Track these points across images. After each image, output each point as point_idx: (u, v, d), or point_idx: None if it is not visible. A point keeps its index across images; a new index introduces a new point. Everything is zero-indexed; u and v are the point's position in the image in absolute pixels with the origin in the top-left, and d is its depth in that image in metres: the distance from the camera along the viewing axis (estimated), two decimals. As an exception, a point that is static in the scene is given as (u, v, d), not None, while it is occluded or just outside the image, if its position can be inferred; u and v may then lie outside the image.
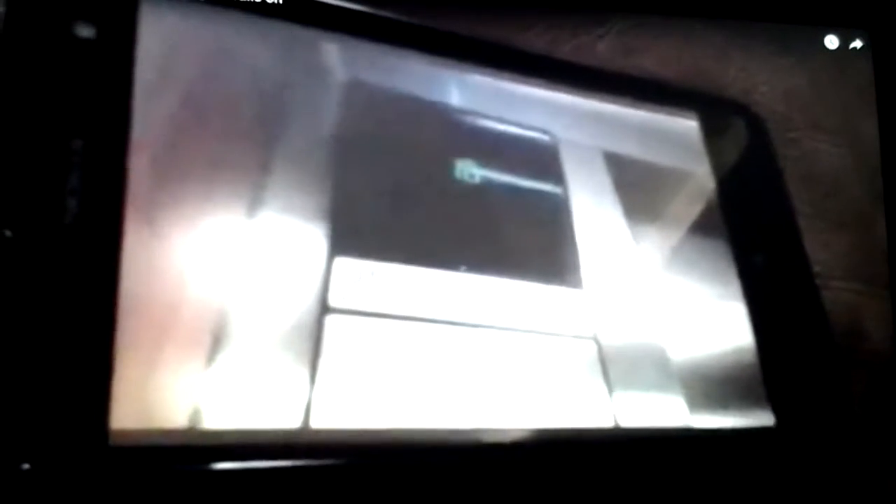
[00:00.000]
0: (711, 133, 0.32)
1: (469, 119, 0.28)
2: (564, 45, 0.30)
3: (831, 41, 0.36)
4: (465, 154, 0.28)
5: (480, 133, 0.28)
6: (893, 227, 0.33)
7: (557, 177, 0.29)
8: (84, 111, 0.22)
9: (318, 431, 0.22)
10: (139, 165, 0.23)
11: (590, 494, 0.25)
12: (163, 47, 0.24)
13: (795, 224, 0.31)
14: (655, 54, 0.32)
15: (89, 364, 0.20)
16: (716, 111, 0.32)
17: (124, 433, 0.20)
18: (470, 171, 0.28)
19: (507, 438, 0.25)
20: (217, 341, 0.22)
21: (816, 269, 0.31)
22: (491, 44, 0.29)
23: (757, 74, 0.33)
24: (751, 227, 0.30)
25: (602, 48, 0.31)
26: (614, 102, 0.30)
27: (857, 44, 0.36)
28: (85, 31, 0.23)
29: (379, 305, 0.25)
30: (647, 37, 0.32)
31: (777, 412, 0.28)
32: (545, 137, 0.29)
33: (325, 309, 0.24)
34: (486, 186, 0.28)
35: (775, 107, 0.33)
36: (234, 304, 0.23)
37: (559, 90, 0.30)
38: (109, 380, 0.20)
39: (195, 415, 0.21)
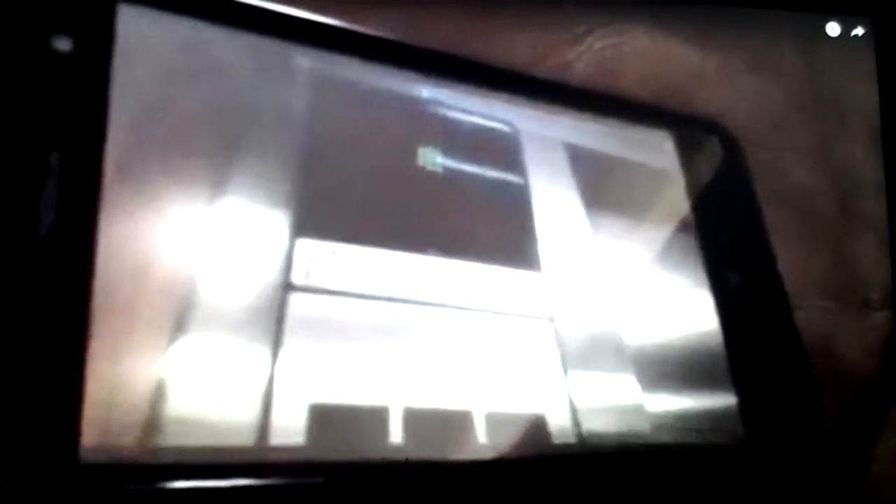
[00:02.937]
0: (684, 150, 0.31)
1: (433, 108, 0.29)
2: (544, 63, 0.30)
3: (833, 28, 0.36)
4: (428, 142, 0.28)
5: (444, 122, 0.29)
6: (894, 226, 0.33)
7: (518, 166, 0.29)
8: (61, 124, 0.23)
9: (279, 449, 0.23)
10: (115, 174, 0.23)
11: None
12: (139, 58, 0.24)
13: (768, 242, 0.31)
14: (633, 73, 0.32)
15: (60, 379, 0.21)
16: (688, 129, 0.32)
17: (95, 449, 0.20)
18: (433, 158, 0.28)
19: (473, 456, 0.25)
20: (180, 326, 0.23)
21: (790, 287, 0.31)
22: (462, 59, 0.29)
23: (732, 93, 0.33)
24: (723, 244, 0.30)
25: (580, 67, 0.31)
26: (588, 120, 0.30)
27: (859, 31, 0.36)
28: (62, 44, 0.23)
29: (341, 285, 0.26)
30: (624, 56, 0.32)
31: (747, 428, 0.28)
32: (507, 128, 0.30)
33: (288, 287, 0.25)
34: (449, 173, 0.28)
35: (749, 125, 0.33)
36: (201, 288, 0.23)
37: (533, 107, 0.30)
38: (81, 397, 0.20)
39: (167, 417, 0.22)
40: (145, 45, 0.24)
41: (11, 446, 0.20)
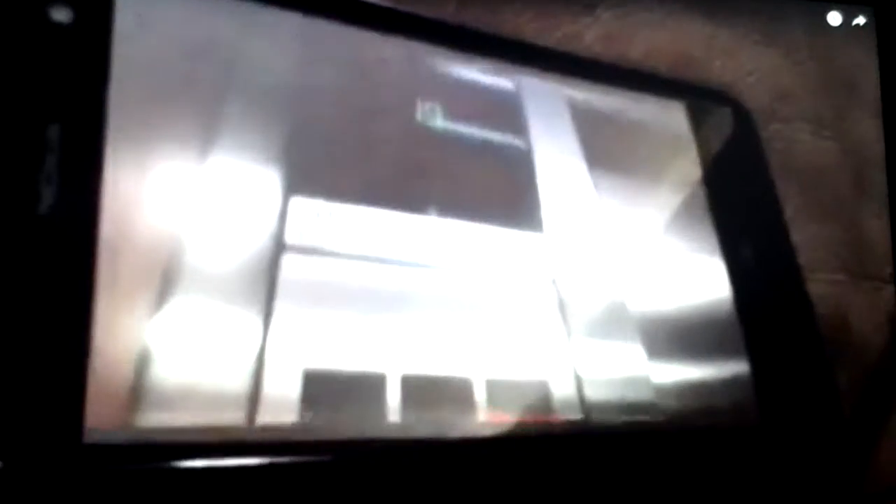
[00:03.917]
0: (697, 122, 0.31)
1: (433, 64, 0.28)
2: (553, 34, 0.30)
3: (835, 17, 0.36)
4: (427, 98, 0.27)
5: (445, 78, 0.28)
6: (895, 216, 0.33)
7: (522, 126, 0.28)
8: (60, 96, 0.22)
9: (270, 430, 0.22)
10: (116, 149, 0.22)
11: (564, 492, 0.25)
12: (138, 28, 0.23)
13: (781, 214, 0.30)
14: (642, 44, 0.31)
15: (63, 358, 0.20)
16: (702, 101, 0.31)
17: (100, 430, 0.20)
18: (433, 115, 0.27)
19: (474, 434, 0.25)
20: (169, 288, 0.22)
21: (802, 260, 0.31)
22: (467, 29, 0.28)
23: (744, 65, 0.33)
24: (735, 215, 0.30)
25: (589, 38, 0.30)
26: (600, 91, 0.30)
27: (861, 20, 0.36)
28: (60, 15, 0.22)
29: (336, 245, 0.25)
30: (634, 27, 0.31)
31: (762, 408, 0.28)
32: (510, 86, 0.29)
33: (281, 247, 0.24)
34: (449, 131, 0.27)
35: (761, 97, 0.32)
36: (188, 250, 0.23)
37: (541, 77, 0.29)
38: (84, 375, 0.20)
39: (171, 393, 0.21)
40: (144, 14, 0.23)
41: (14, 427, 0.19)
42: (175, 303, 0.22)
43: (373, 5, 0.27)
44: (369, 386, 0.23)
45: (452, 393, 0.25)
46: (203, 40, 0.24)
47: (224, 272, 0.23)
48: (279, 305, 0.23)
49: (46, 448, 0.19)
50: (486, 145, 0.28)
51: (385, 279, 0.25)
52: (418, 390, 0.24)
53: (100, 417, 0.20)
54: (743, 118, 0.31)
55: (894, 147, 0.34)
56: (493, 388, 0.25)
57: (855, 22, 0.36)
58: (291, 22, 0.26)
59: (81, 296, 0.20)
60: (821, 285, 0.31)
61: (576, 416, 0.26)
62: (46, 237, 0.21)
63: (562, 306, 0.27)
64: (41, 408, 0.19)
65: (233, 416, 0.22)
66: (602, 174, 0.29)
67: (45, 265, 0.20)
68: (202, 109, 0.24)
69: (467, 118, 0.27)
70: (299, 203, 0.24)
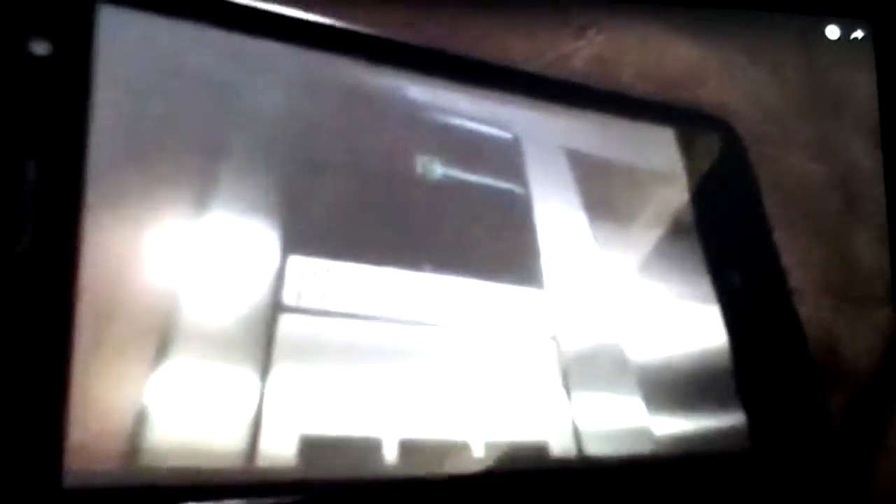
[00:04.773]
0: (688, 147, 0.31)
1: (431, 114, 0.28)
2: (544, 57, 0.30)
3: (833, 31, 0.36)
4: (426, 150, 0.27)
5: (443, 129, 0.28)
6: (894, 226, 0.33)
7: (520, 174, 0.28)
8: (39, 131, 0.21)
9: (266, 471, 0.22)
10: (96, 184, 0.22)
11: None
12: (120, 61, 0.23)
13: (772, 240, 0.30)
14: (633, 67, 0.31)
15: (42, 401, 0.20)
16: (692, 126, 0.31)
17: (79, 473, 0.19)
18: (432, 167, 0.27)
19: (470, 471, 0.24)
20: (165, 346, 0.22)
21: (792, 283, 0.31)
22: (457, 57, 0.28)
23: (733, 87, 0.32)
24: (727, 242, 0.30)
25: (580, 61, 0.30)
26: (590, 117, 0.29)
27: (859, 34, 0.36)
28: (40, 48, 0.22)
29: (334, 304, 0.25)
30: (624, 49, 0.31)
31: (752, 432, 0.28)
32: (507, 135, 0.29)
33: (278, 307, 0.24)
34: (449, 183, 0.27)
35: (751, 121, 0.32)
36: (186, 307, 0.22)
37: (532, 105, 0.29)
38: (64, 419, 0.20)
39: (151, 440, 0.21)
40: (126, 47, 0.23)
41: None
42: (171, 356, 0.22)
43: (352, 32, 0.26)
44: (366, 444, 0.23)
45: (450, 451, 0.24)
46: (188, 75, 0.24)
47: (221, 329, 0.23)
48: (276, 364, 0.23)
49: (26, 492, 0.19)
50: (485, 194, 0.28)
51: (383, 337, 0.25)
52: (415, 450, 0.24)
53: (82, 462, 0.19)
54: (733, 142, 0.31)
55: (892, 159, 0.34)
56: (491, 447, 0.25)
57: (853, 36, 0.36)
58: (287, 62, 0.25)
59: (61, 337, 0.20)
60: (811, 308, 0.30)
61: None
62: (24, 277, 0.20)
63: (560, 359, 0.26)
64: (20, 451, 0.19)
65: (224, 463, 0.21)
66: (598, 216, 0.29)
67: (21, 305, 0.20)
68: (194, 152, 0.23)
69: (466, 168, 0.27)
70: (297, 262, 0.24)
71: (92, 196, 0.22)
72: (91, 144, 0.22)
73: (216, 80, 0.24)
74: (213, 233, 0.24)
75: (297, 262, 0.24)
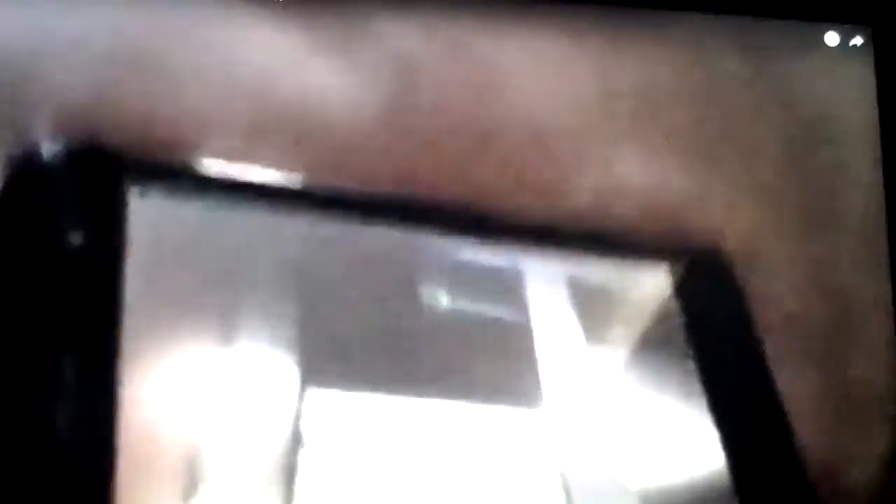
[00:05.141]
0: (683, 282, 0.31)
1: (437, 247, 0.29)
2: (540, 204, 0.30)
3: (832, 38, 0.35)
4: (432, 281, 0.28)
5: (448, 260, 0.29)
6: (894, 233, 0.33)
7: (521, 304, 0.29)
8: (74, 323, 0.23)
9: None
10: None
11: None
12: (151, 244, 0.24)
13: (769, 372, 0.31)
14: (629, 202, 0.31)
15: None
16: (688, 260, 0.32)
17: None
18: (438, 296, 0.28)
19: None
20: (195, 485, 0.24)
21: (789, 410, 0.31)
22: (459, 213, 0.29)
23: (723, 215, 0.32)
24: (724, 377, 0.31)
25: (576, 201, 0.30)
26: (589, 256, 0.30)
27: (858, 41, 0.35)
28: (76, 239, 0.23)
29: (352, 436, 0.26)
30: (619, 185, 0.31)
31: None
32: (510, 264, 0.30)
33: (298, 442, 0.26)
34: (454, 311, 0.29)
35: (741, 247, 0.32)
36: (210, 447, 0.24)
37: (526, 252, 0.30)
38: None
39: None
40: (155, 230, 0.24)
41: None
42: (200, 494, 0.24)
43: (358, 198, 0.27)
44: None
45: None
46: (208, 244, 0.25)
47: (247, 465, 0.24)
48: (299, 498, 0.25)
49: None
50: (490, 323, 0.29)
51: (398, 466, 0.27)
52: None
53: None
54: (727, 274, 0.32)
55: (893, 175, 0.34)
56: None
57: (852, 42, 0.35)
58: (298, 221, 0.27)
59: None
60: (809, 437, 0.31)
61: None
62: (64, 471, 0.22)
63: (565, 485, 0.28)
64: None
65: None
66: (597, 346, 0.30)
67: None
68: (216, 312, 0.25)
69: (471, 298, 0.28)
70: (315, 394, 0.26)
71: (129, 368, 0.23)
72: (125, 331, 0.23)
73: (235, 243, 0.25)
74: (234, 373, 0.25)
75: (314, 394, 0.26)
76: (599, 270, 0.30)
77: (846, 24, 0.35)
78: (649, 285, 0.30)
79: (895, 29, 0.35)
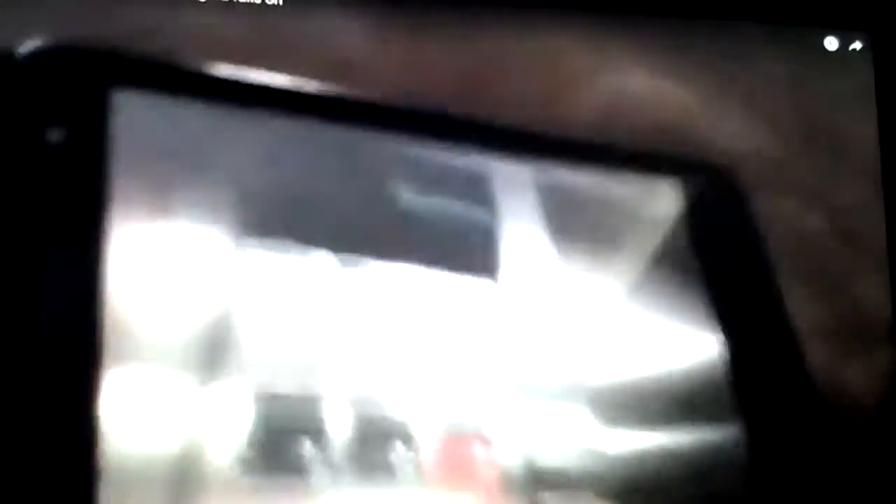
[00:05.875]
0: (688, 198, 0.31)
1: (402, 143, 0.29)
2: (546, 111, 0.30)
3: (831, 43, 0.36)
4: (396, 175, 0.28)
5: (414, 155, 0.29)
6: (893, 231, 0.33)
7: (490, 200, 0.29)
8: (55, 221, 0.23)
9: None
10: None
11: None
12: (135, 145, 0.24)
13: (778, 290, 0.30)
14: (633, 116, 0.31)
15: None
16: (695, 175, 0.31)
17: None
18: (400, 191, 0.28)
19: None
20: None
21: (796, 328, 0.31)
22: (450, 118, 0.29)
23: (730, 133, 0.32)
24: (731, 293, 0.30)
25: (581, 112, 0.30)
26: (587, 171, 0.30)
27: (857, 45, 0.36)
28: (56, 136, 0.23)
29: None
30: (624, 98, 0.31)
31: (757, 487, 0.28)
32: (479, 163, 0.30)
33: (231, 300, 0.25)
34: (415, 205, 0.28)
35: (748, 166, 0.32)
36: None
37: (526, 162, 0.30)
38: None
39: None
40: (140, 128, 0.24)
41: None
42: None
43: (340, 98, 0.27)
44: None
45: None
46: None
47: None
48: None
49: None
50: (452, 219, 0.28)
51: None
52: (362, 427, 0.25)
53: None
54: (734, 191, 0.31)
55: (891, 180, 0.34)
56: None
57: (851, 47, 0.36)
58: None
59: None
60: (816, 356, 0.31)
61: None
62: (51, 368, 0.21)
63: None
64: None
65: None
66: (604, 258, 0.29)
67: (46, 388, 0.21)
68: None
69: (434, 193, 0.28)
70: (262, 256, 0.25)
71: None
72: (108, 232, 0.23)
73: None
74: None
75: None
76: (608, 183, 0.29)
77: (845, 29, 0.36)
78: (659, 201, 0.30)
79: (894, 34, 0.35)
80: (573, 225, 0.29)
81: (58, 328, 0.22)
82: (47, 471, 0.21)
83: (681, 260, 0.30)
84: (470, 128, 0.29)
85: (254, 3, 0.27)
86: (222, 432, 0.23)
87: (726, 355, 0.29)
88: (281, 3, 0.28)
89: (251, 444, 0.24)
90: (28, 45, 0.23)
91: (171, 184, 0.24)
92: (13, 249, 0.22)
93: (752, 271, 0.30)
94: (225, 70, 0.26)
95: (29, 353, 0.22)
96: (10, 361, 0.21)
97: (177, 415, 0.23)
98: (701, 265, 0.30)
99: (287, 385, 0.25)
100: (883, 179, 0.34)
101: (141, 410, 0.23)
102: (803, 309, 0.31)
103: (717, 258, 0.30)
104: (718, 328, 0.29)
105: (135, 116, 0.24)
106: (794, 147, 0.33)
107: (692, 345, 0.30)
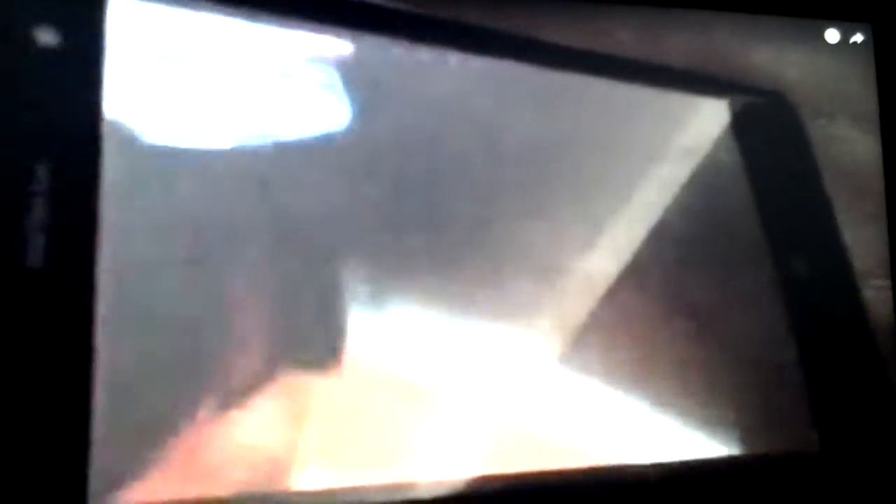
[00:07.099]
0: (741, 122, 0.30)
1: None
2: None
3: (832, 35, 0.35)
4: None
5: None
6: (894, 226, 0.32)
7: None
8: (49, 129, 0.19)
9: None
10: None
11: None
12: (132, 48, 0.21)
13: (834, 219, 0.29)
14: (678, 42, 0.30)
15: (65, 429, 0.18)
16: (746, 99, 0.30)
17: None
18: None
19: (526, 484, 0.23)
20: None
21: (855, 266, 0.30)
22: (481, 29, 0.27)
23: (782, 62, 0.32)
24: (786, 224, 0.29)
25: (624, 35, 0.29)
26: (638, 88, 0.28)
27: (859, 38, 0.35)
28: (47, 37, 0.20)
29: None
30: (667, 27, 0.30)
31: (822, 435, 0.27)
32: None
33: None
34: None
35: (801, 94, 0.31)
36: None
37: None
38: (87, 446, 0.17)
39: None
40: (137, 30, 0.21)
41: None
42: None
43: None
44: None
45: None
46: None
47: None
48: None
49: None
50: None
51: None
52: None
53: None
54: (790, 115, 0.30)
55: (893, 172, 0.33)
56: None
57: (853, 39, 0.35)
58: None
59: (82, 354, 0.18)
60: (875, 292, 0.29)
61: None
62: (39, 294, 0.18)
63: None
64: (41, 482, 0.17)
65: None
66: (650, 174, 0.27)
67: (38, 326, 0.18)
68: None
69: None
70: None
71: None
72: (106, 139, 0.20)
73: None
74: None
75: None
76: (656, 101, 0.27)
77: (846, 21, 0.36)
78: (709, 122, 0.28)
79: (895, 26, 0.35)
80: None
81: (52, 239, 0.18)
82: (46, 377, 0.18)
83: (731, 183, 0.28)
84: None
85: None
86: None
87: (783, 294, 0.28)
88: None
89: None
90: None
91: (169, 90, 0.21)
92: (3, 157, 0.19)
93: (808, 203, 0.29)
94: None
95: (24, 262, 0.18)
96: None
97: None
98: (755, 192, 0.28)
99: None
100: (884, 181, 0.33)
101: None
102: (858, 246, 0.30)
103: (772, 184, 0.29)
104: (774, 264, 0.28)
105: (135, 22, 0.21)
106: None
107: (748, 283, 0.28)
